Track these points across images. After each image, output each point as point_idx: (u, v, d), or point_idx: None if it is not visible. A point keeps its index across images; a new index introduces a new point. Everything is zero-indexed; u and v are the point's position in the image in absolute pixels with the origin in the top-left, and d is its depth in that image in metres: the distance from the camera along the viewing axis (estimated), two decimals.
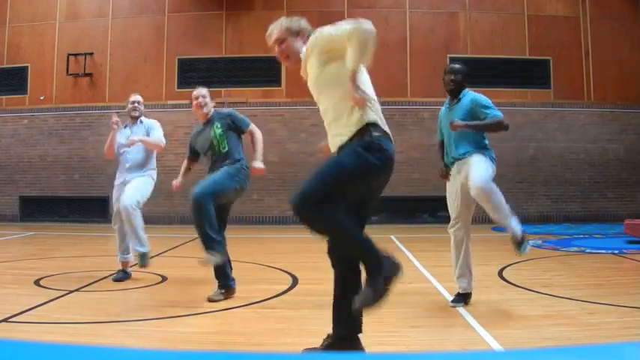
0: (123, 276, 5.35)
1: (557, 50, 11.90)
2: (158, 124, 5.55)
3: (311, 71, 3.00)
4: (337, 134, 2.85)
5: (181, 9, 12.13)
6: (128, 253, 5.43)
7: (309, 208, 2.67)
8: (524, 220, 11.25)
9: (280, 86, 11.85)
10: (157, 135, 5.38)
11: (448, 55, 11.82)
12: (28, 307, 4.05)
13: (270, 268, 5.56)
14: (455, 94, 4.26)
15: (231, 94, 11.79)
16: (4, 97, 12.41)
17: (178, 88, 11.99)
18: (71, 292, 4.69)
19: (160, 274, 5.59)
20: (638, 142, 11.95)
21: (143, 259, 5.18)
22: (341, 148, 2.81)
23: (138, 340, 3.34)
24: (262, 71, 11.90)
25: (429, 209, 11.47)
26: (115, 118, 5.33)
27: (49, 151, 12.18)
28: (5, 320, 3.70)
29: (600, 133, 11.94)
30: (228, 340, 3.42)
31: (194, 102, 4.68)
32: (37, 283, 5.06)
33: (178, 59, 12.03)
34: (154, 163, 5.56)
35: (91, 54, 12.06)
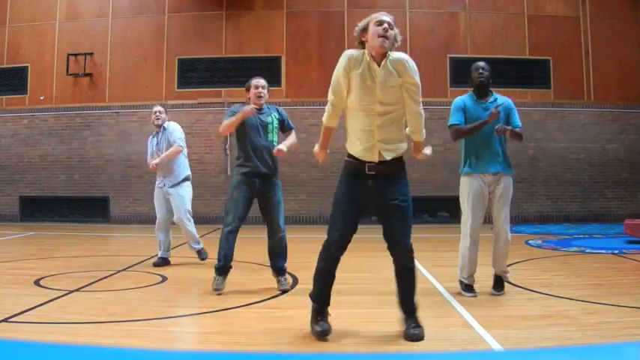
0: (162, 262, 6.15)
1: (557, 50, 11.89)
2: (176, 126, 6.28)
3: (391, 78, 3.29)
4: (393, 144, 3.32)
5: (181, 9, 12.13)
6: (168, 251, 6.29)
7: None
8: (525, 220, 11.39)
9: (280, 86, 11.84)
10: (173, 139, 6.13)
11: (448, 55, 11.82)
12: (28, 307, 4.05)
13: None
14: (485, 88, 4.58)
15: (231, 94, 11.78)
16: (4, 97, 12.40)
17: (178, 88, 11.99)
18: (71, 292, 4.69)
19: (159, 274, 5.59)
20: (638, 142, 11.94)
21: (202, 254, 6.24)
22: (398, 164, 3.35)
23: (138, 340, 3.34)
24: (262, 71, 11.79)
25: (429, 209, 11.46)
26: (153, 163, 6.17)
27: (49, 151, 12.18)
28: (5, 320, 3.70)
29: (600, 133, 11.93)
30: (228, 340, 3.42)
31: (254, 90, 4.82)
32: (37, 283, 5.07)
33: (178, 59, 12.02)
34: (184, 163, 6.28)
35: (91, 54, 12.05)
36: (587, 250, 7.25)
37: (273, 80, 11.84)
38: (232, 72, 11.95)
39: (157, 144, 6.28)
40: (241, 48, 11.97)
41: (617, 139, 11.93)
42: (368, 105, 3.27)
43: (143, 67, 12.04)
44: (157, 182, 6.32)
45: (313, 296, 3.46)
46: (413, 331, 3.32)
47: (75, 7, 12.29)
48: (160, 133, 6.29)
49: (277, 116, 4.88)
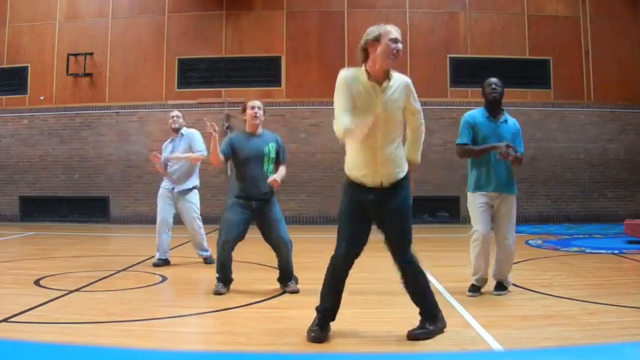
0: (162, 262, 6.16)
1: (557, 50, 11.89)
2: (197, 134, 6.32)
3: (394, 100, 3.28)
4: (394, 167, 3.31)
5: (181, 9, 12.13)
6: (167, 252, 6.28)
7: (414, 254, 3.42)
8: (525, 220, 11.39)
9: (280, 86, 11.84)
10: (197, 148, 6.21)
11: (448, 55, 11.82)
12: (28, 307, 4.05)
13: (270, 268, 5.56)
14: (498, 105, 4.57)
15: (231, 94, 11.79)
16: (4, 97, 12.40)
17: (178, 88, 11.99)
18: (71, 292, 4.69)
19: (160, 274, 5.59)
20: (638, 142, 11.94)
21: (209, 260, 6.27)
22: (399, 182, 3.32)
23: (138, 340, 3.34)
24: (262, 71, 11.89)
25: (429, 209, 11.46)
26: (156, 158, 6.18)
27: (49, 151, 12.18)
28: (5, 320, 3.70)
29: (600, 133, 11.93)
30: (228, 340, 3.43)
31: (250, 111, 4.78)
32: (37, 283, 5.06)
33: (178, 59, 12.03)
34: (197, 172, 6.40)
35: (91, 54, 12.05)
36: (587, 250, 7.25)
37: (273, 80, 11.86)
38: (232, 72, 11.95)
39: (173, 149, 6.29)
40: (241, 48, 11.97)
41: (617, 139, 11.93)
42: (373, 129, 3.21)
43: (143, 67, 12.04)
44: (164, 183, 6.34)
45: (320, 309, 3.40)
46: (412, 331, 3.35)
47: (75, 7, 12.29)
48: (178, 139, 6.31)
49: (275, 146, 4.81)
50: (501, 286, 4.61)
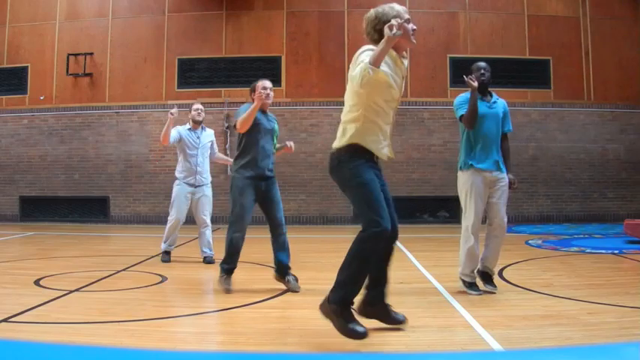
0: (168, 258, 6.41)
1: (557, 50, 11.89)
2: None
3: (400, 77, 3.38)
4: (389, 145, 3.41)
5: (181, 9, 12.13)
6: (172, 245, 6.51)
7: None
8: (525, 220, 11.40)
9: (280, 86, 11.84)
10: (216, 149, 6.75)
11: (448, 55, 11.82)
12: (28, 307, 4.05)
13: (271, 268, 5.56)
14: (486, 88, 4.67)
15: (231, 94, 11.79)
16: (4, 97, 12.40)
17: (178, 88, 11.98)
18: (71, 292, 4.68)
19: (159, 274, 5.59)
20: (638, 142, 11.94)
21: (210, 260, 6.29)
22: None
23: (138, 340, 3.34)
24: (262, 71, 11.86)
25: (429, 209, 11.47)
26: (174, 110, 6.15)
27: (49, 151, 12.18)
28: (5, 320, 3.70)
29: (600, 133, 11.93)
30: (228, 340, 3.43)
31: (262, 91, 4.85)
32: (37, 283, 5.06)
33: (178, 59, 12.03)
34: None
35: (91, 54, 12.05)
36: (587, 250, 7.25)
37: (273, 80, 11.80)
38: (232, 72, 11.95)
39: (198, 137, 6.44)
40: (241, 48, 11.97)
41: (617, 139, 11.93)
42: (392, 101, 3.32)
43: (143, 67, 12.04)
44: (184, 180, 6.39)
45: (350, 298, 3.21)
46: (397, 316, 3.49)
47: (75, 7, 12.29)
48: (199, 131, 6.48)
49: (276, 126, 5.09)
50: (491, 280, 4.63)
